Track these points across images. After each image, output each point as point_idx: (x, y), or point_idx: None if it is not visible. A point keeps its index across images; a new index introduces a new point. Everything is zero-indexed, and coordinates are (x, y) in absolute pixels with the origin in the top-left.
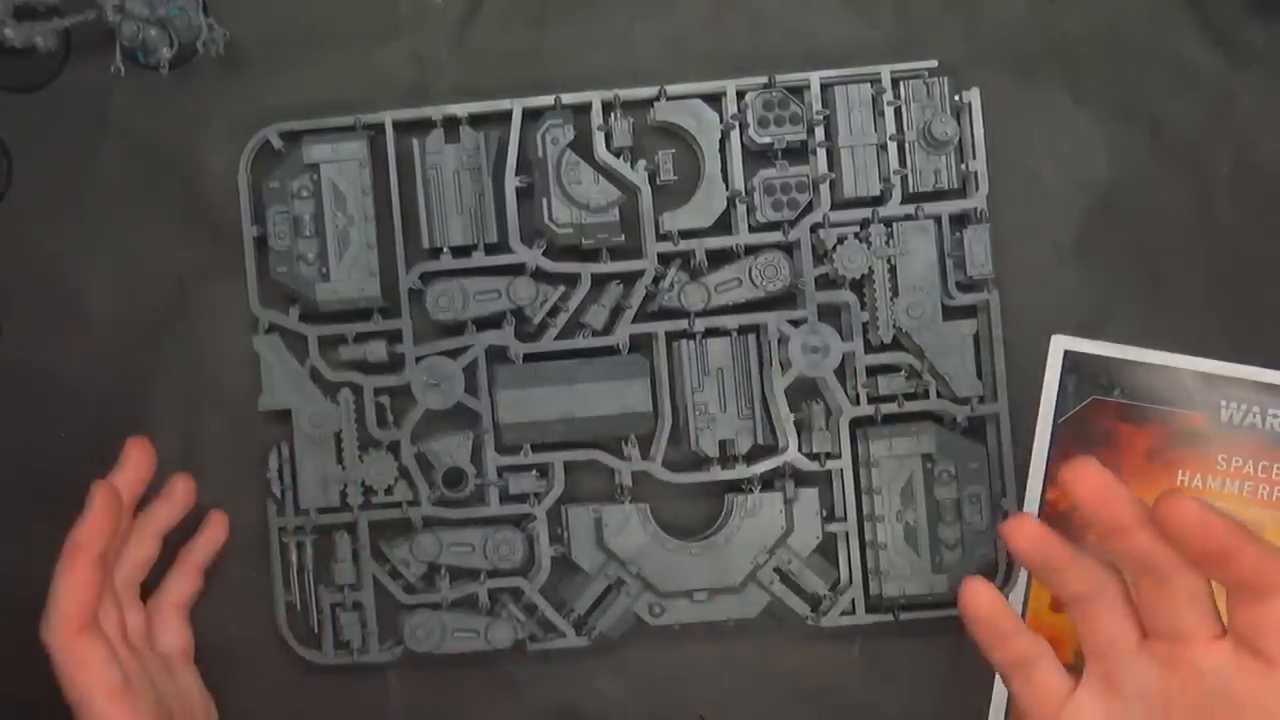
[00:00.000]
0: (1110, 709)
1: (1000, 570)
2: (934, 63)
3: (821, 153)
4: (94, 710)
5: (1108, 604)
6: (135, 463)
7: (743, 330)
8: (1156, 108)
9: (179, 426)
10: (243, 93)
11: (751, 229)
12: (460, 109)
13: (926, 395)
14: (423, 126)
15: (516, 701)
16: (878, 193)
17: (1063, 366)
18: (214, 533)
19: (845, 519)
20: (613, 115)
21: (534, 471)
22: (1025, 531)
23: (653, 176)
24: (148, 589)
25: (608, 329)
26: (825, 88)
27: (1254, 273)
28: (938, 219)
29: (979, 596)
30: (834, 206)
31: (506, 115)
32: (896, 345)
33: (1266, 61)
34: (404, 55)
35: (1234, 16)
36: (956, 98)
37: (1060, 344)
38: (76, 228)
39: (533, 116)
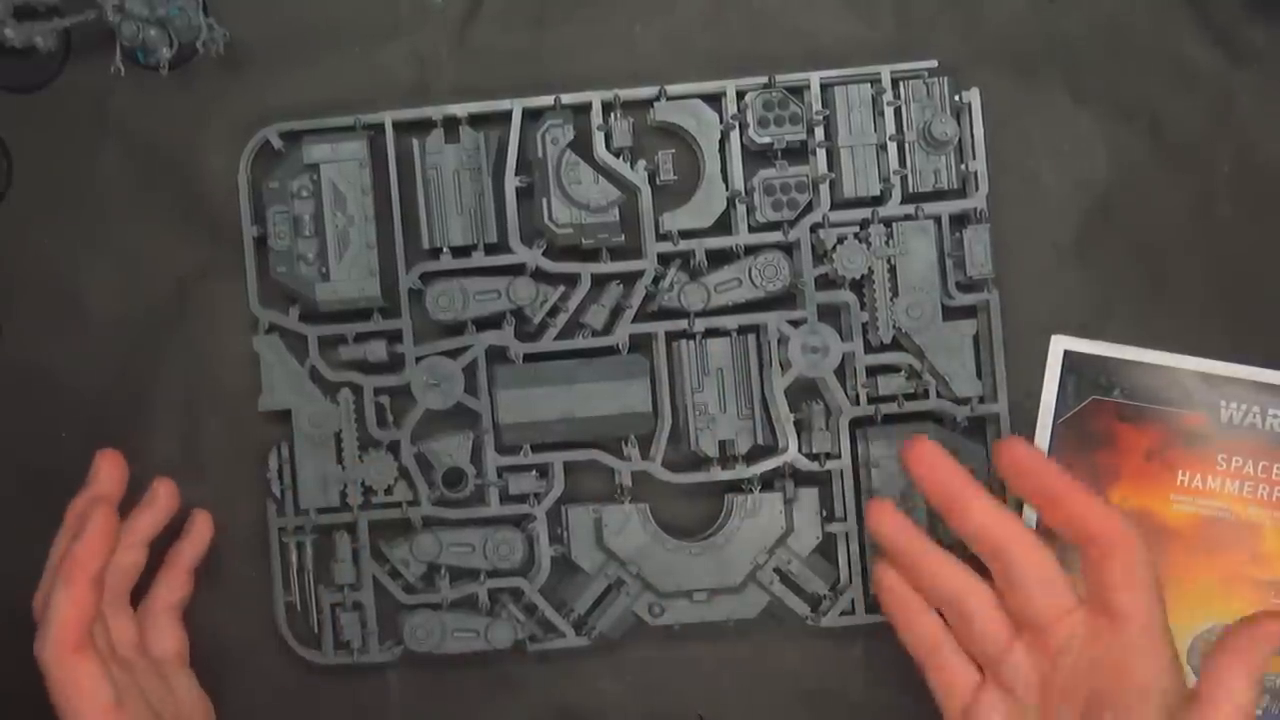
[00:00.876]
0: (1010, 706)
1: None
2: (934, 63)
3: (821, 153)
4: None
5: (977, 607)
6: (109, 476)
7: (742, 330)
8: (1156, 107)
9: (179, 426)
10: (243, 93)
11: (751, 229)
12: (460, 109)
13: (926, 395)
14: (423, 126)
15: (516, 701)
16: (878, 193)
17: (1063, 366)
18: (199, 534)
19: (845, 519)
20: (613, 115)
21: (534, 471)
22: (886, 517)
23: (652, 176)
24: (139, 593)
25: (608, 329)
26: (825, 88)
27: (1254, 273)
28: (938, 219)
29: (884, 515)
30: (834, 206)
31: (506, 115)
32: (896, 345)
33: (1266, 61)
34: (404, 55)
35: (1234, 16)
36: (956, 98)
37: (1060, 344)
38: (76, 228)
39: (533, 116)
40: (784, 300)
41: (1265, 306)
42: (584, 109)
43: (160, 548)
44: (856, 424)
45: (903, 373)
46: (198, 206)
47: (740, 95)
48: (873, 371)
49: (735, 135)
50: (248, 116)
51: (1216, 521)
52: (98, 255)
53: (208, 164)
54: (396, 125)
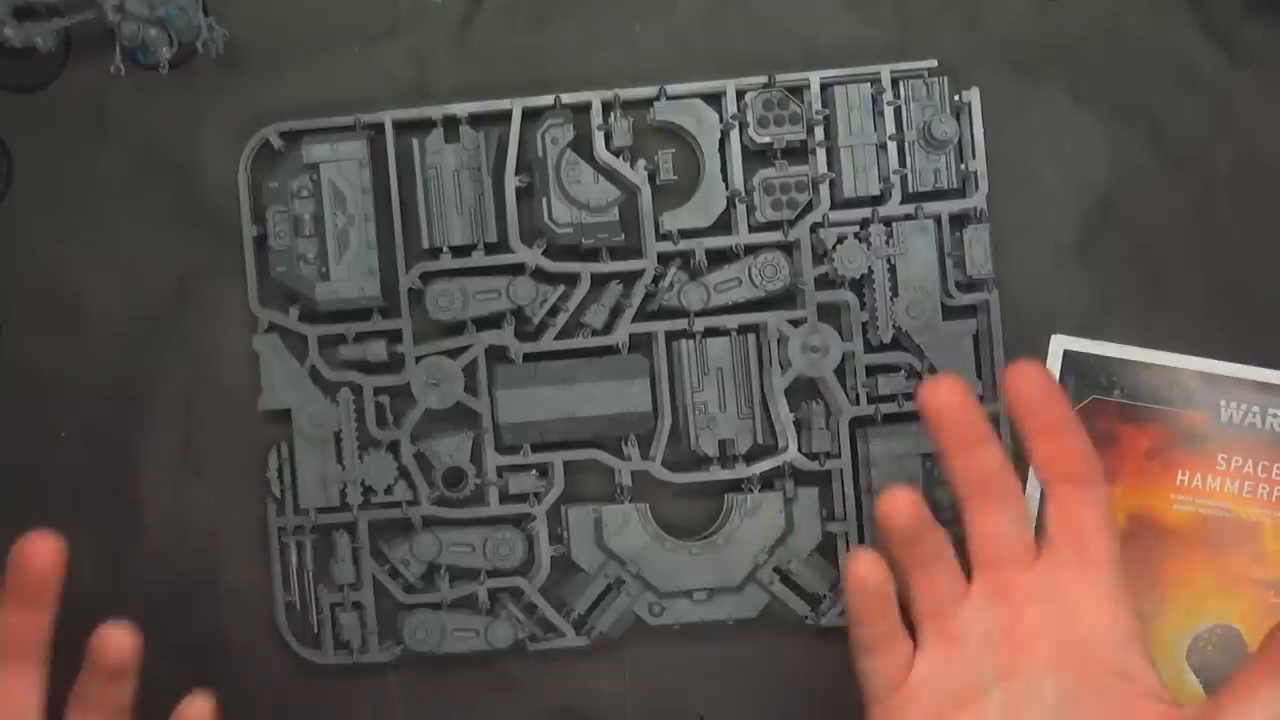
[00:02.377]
0: (952, 659)
1: None
2: (934, 62)
3: (821, 152)
4: None
5: (944, 561)
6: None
7: (742, 330)
8: (1156, 108)
9: (179, 426)
10: (242, 93)
11: (751, 229)
12: (460, 109)
13: None
14: (423, 126)
15: (516, 701)
16: (877, 192)
17: (1063, 366)
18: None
19: (845, 519)
20: (613, 115)
21: (534, 471)
22: (900, 503)
23: (653, 176)
24: None
25: (607, 329)
26: (825, 87)
27: (1254, 273)
28: (937, 219)
29: (901, 503)
30: (834, 206)
31: (506, 115)
32: (896, 345)
33: (1267, 61)
34: (404, 55)
35: (1234, 16)
36: (956, 98)
37: (1060, 344)
38: (76, 228)
39: (532, 116)
40: (784, 300)
41: (1265, 306)
42: (584, 109)
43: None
44: (856, 423)
45: (903, 372)
46: (197, 206)
47: (740, 95)
48: (873, 371)
49: (735, 135)
50: (247, 116)
51: (1216, 521)
52: (98, 255)
53: (207, 164)
54: (396, 125)
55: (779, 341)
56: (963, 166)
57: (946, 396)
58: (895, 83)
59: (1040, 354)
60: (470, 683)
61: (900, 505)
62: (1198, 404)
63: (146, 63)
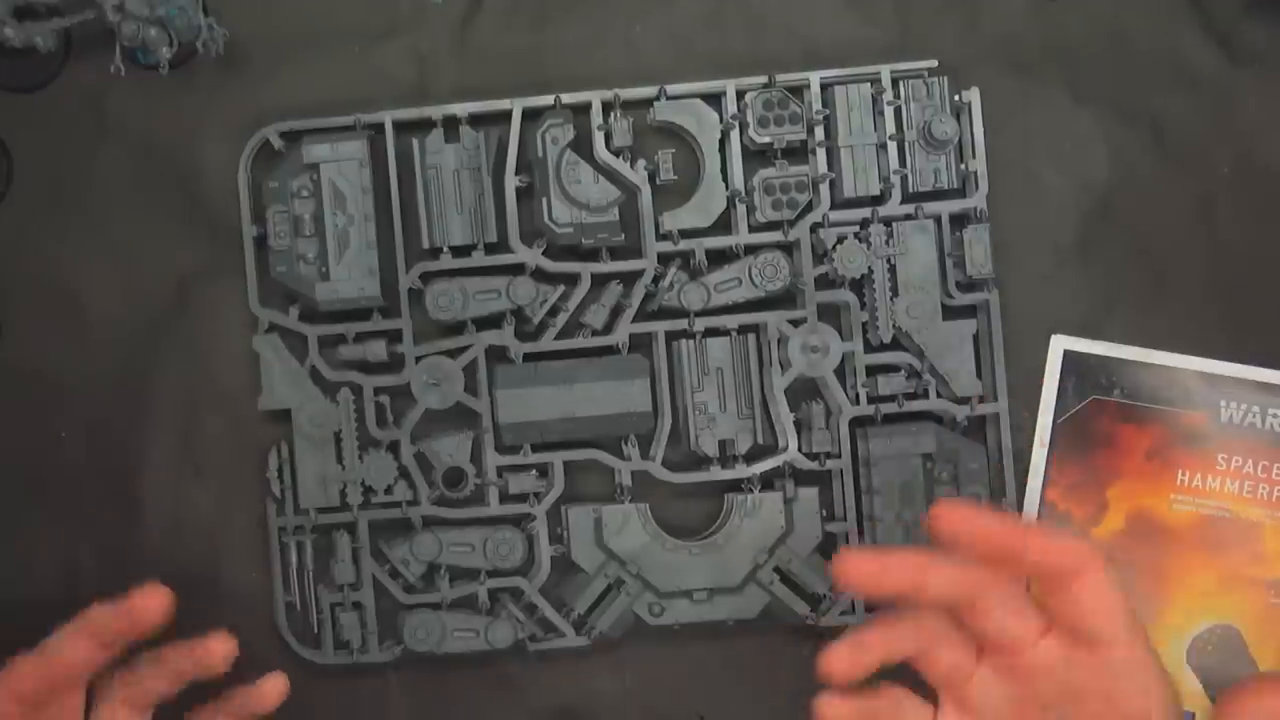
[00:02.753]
0: None
1: None
2: (934, 62)
3: (821, 152)
4: None
5: (948, 640)
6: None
7: (742, 330)
8: (1157, 108)
9: (179, 426)
10: (242, 93)
11: (751, 229)
12: (460, 109)
13: (926, 395)
14: (423, 126)
15: (516, 701)
16: (877, 192)
17: (1063, 366)
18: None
19: (845, 519)
20: (613, 115)
21: (534, 471)
22: (857, 569)
23: (652, 176)
24: None
25: (607, 329)
26: (825, 87)
27: (1254, 273)
28: (937, 219)
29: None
30: (834, 206)
31: (506, 115)
32: (896, 345)
33: (1266, 61)
34: (404, 54)
35: (1234, 16)
36: (956, 97)
37: (1060, 344)
38: (76, 228)
39: (532, 116)
40: (784, 300)
41: (1265, 306)
42: (584, 109)
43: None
44: (856, 423)
45: (903, 372)
46: (197, 206)
47: (740, 95)
48: (873, 371)
49: (735, 135)
50: (247, 116)
51: (1216, 521)
52: (98, 255)
53: (207, 164)
54: (396, 125)
55: (779, 341)
56: (963, 166)
57: (956, 524)
58: (895, 83)
59: (1040, 354)
60: (470, 683)
61: (851, 571)
62: (1198, 404)
63: (146, 63)
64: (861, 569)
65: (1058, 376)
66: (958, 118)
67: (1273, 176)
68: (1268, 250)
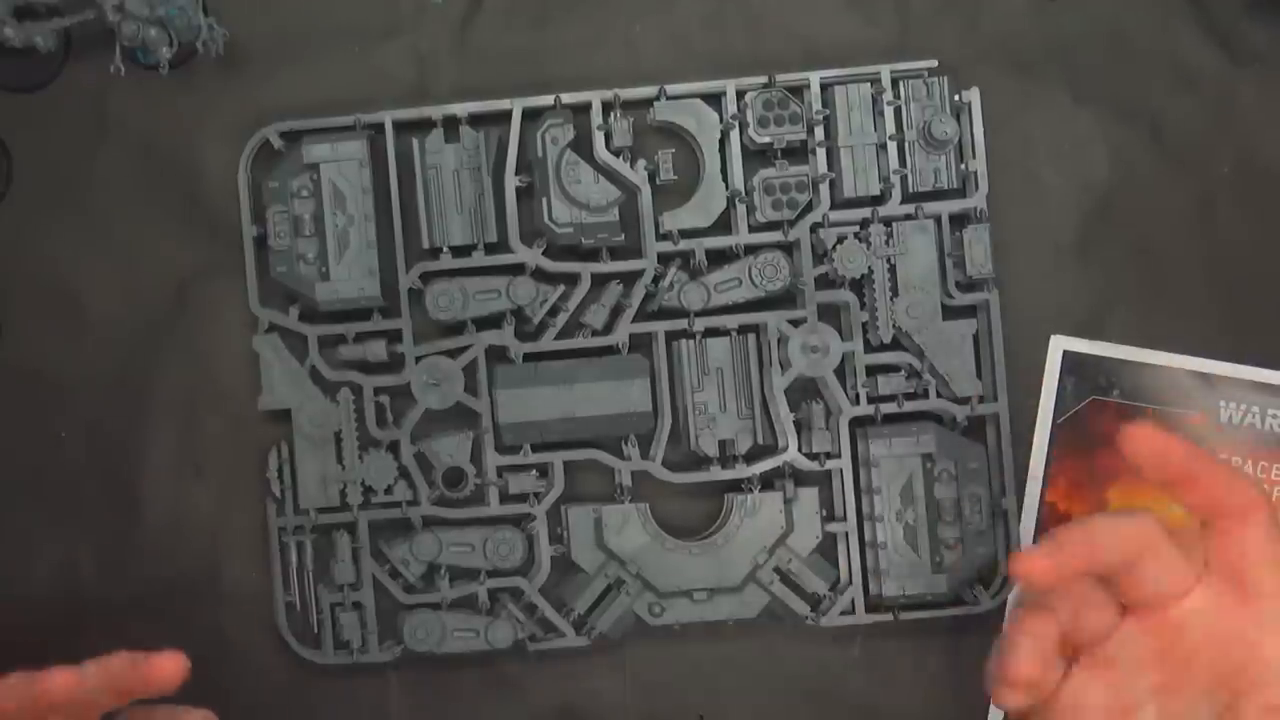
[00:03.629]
0: (1110, 682)
1: (999, 576)
2: (934, 62)
3: (821, 152)
4: None
5: (1091, 604)
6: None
7: (742, 330)
8: (1157, 108)
9: (179, 426)
10: (243, 93)
11: (751, 229)
12: (460, 109)
13: (926, 395)
14: (423, 126)
15: (516, 701)
16: (877, 192)
17: (1062, 366)
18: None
19: (845, 519)
20: (613, 115)
21: (534, 471)
22: (1034, 570)
23: (652, 176)
24: None
25: (607, 329)
26: (825, 87)
27: (1254, 273)
28: (938, 219)
29: (1034, 570)
30: (834, 206)
31: (506, 115)
32: (896, 345)
33: (1267, 61)
34: (404, 55)
35: (1234, 16)
36: (956, 97)
37: (1060, 344)
38: (76, 228)
39: (532, 116)
40: (784, 300)
41: (1265, 306)
42: (584, 109)
43: None
44: (856, 423)
45: (903, 372)
46: (197, 206)
47: (740, 95)
48: (872, 371)
49: (735, 135)
50: (247, 116)
51: None
52: (98, 255)
53: (207, 164)
54: (396, 125)
55: (779, 341)
56: (963, 166)
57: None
58: (895, 83)
59: (1040, 354)
60: (470, 683)
61: (1033, 572)
62: (1197, 404)
63: (146, 63)
64: (1038, 568)
65: (1057, 376)
66: (958, 118)
67: (1273, 176)
68: (1268, 250)
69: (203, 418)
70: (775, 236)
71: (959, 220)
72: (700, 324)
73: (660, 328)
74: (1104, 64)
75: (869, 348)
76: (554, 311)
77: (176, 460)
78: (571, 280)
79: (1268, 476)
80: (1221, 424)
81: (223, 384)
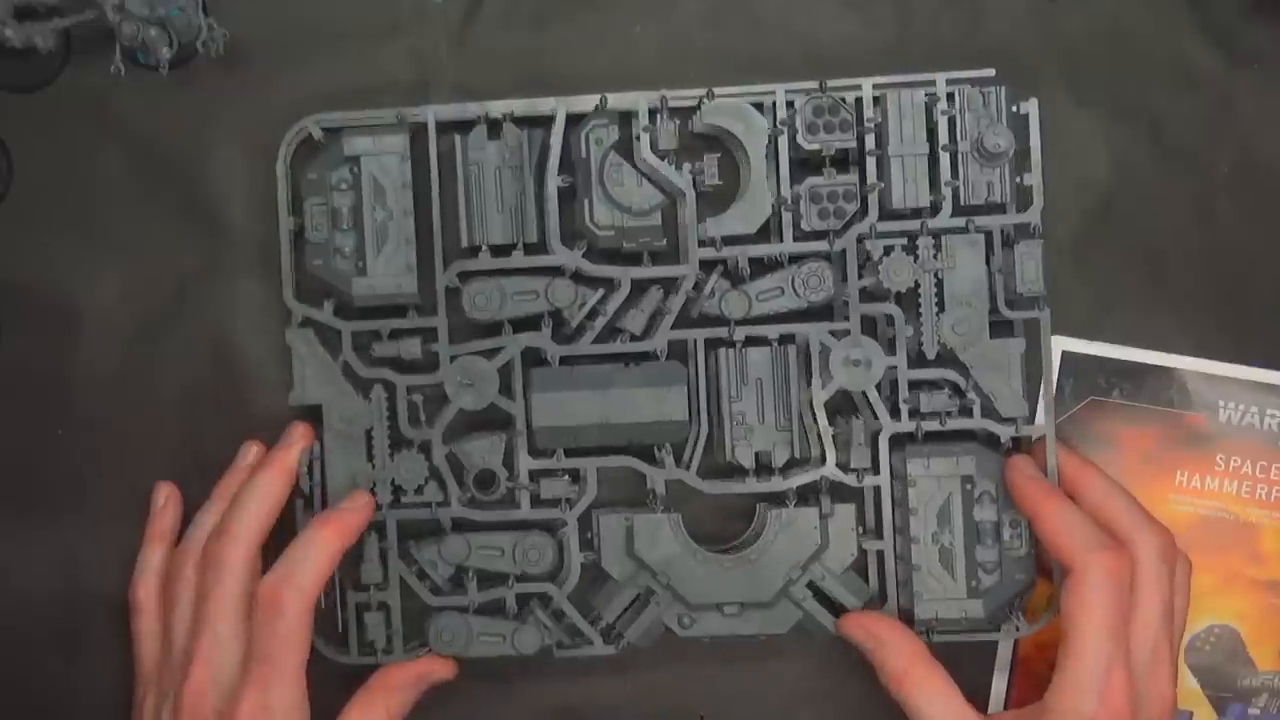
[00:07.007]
0: None
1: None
2: (991, 71)
3: (871, 161)
4: None
5: None
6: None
7: (783, 340)
8: (1157, 108)
9: (178, 427)
10: (242, 93)
11: (796, 238)
12: (502, 107)
13: (970, 413)
14: (460, 125)
15: (516, 702)
16: (926, 204)
17: (1061, 367)
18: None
19: (882, 536)
20: (659, 118)
21: (566, 476)
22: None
23: (696, 181)
24: None
25: (646, 334)
26: (877, 95)
27: (1254, 273)
28: (988, 233)
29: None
30: (881, 217)
31: (543, 117)
32: (941, 361)
33: (1266, 61)
34: (404, 54)
35: (1234, 17)
36: (1014, 108)
37: (1060, 344)
38: (76, 228)
39: (575, 119)
40: (827, 311)
41: (1265, 306)
42: (627, 111)
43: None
44: (896, 440)
45: (946, 390)
46: (198, 206)
47: (789, 101)
48: (915, 387)
49: (783, 141)
50: (247, 116)
51: (1215, 521)
52: (98, 255)
53: (208, 164)
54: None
55: (820, 353)
56: (1018, 180)
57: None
58: (950, 94)
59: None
60: (471, 682)
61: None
62: (1196, 405)
63: (146, 63)
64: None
65: (1056, 377)
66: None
67: (1273, 176)
68: (1268, 250)
69: (204, 417)
70: (820, 246)
71: (1006, 235)
72: (741, 333)
73: (699, 335)
74: (1104, 65)
75: (912, 363)
76: (592, 315)
77: (176, 460)
78: (611, 284)
79: (1267, 477)
80: (1221, 424)
81: (223, 383)
